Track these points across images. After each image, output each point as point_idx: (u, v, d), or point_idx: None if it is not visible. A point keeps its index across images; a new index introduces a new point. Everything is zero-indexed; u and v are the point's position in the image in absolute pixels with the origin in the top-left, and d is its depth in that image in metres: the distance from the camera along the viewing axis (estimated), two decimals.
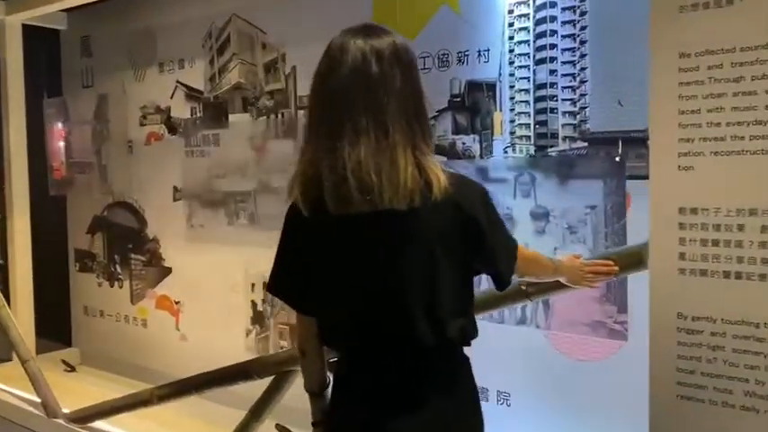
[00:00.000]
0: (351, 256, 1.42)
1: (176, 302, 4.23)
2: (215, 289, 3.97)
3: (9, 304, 4.57)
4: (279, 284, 1.59)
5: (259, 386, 2.72)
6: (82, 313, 4.89)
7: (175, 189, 4.15)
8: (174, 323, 4.25)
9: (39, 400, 3.62)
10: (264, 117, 3.64)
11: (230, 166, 3.69)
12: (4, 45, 4.46)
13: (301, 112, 3.47)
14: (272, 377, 2.54)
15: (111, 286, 4.67)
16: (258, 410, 2.56)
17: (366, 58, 1.38)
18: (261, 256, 3.68)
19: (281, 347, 3.67)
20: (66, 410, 3.55)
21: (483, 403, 1.59)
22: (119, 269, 4.60)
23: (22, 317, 4.51)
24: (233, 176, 3.64)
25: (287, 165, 3.48)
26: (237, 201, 3.59)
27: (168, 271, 4.26)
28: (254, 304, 3.79)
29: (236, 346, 3.88)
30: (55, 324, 4.93)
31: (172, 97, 4.11)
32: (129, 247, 4.50)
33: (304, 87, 3.46)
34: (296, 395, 2.57)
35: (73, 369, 4.59)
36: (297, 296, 1.55)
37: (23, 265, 4.54)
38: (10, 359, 4.62)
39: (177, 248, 4.16)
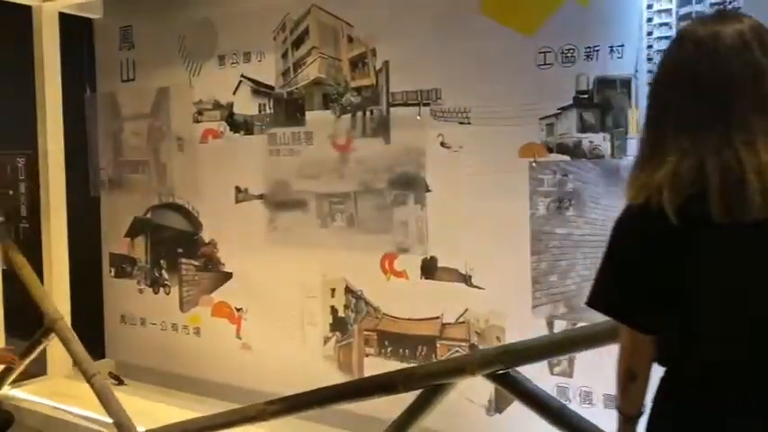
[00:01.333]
0: (736, 271, 1.26)
1: (237, 309, 4.00)
2: (285, 294, 3.76)
3: None
4: (608, 298, 1.39)
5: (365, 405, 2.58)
6: (118, 322, 4.59)
7: (238, 190, 3.92)
8: (235, 331, 4.02)
9: (109, 420, 3.35)
10: (349, 114, 3.47)
11: (318, 165, 3.49)
12: (41, 35, 4.14)
13: (393, 110, 3.33)
14: (418, 391, 2.38)
15: (156, 293, 4.39)
16: (401, 429, 2.40)
17: (747, 44, 1.23)
18: (348, 260, 3.56)
19: (367, 355, 3.52)
20: (141, 429, 3.30)
21: None
22: (165, 275, 4.33)
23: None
24: (326, 177, 3.45)
25: (381, 165, 3.34)
26: (334, 202, 3.40)
27: (228, 276, 4.02)
28: (333, 310, 3.61)
29: (311, 355, 3.70)
30: (86, 334, 4.59)
31: (235, 93, 3.88)
32: (179, 251, 4.23)
33: (398, 83, 3.31)
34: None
35: (121, 382, 4.28)
36: (635, 312, 1.36)
37: (60, 270, 4.23)
38: (44, 373, 4.31)
39: (242, 252, 3.93)
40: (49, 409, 3.74)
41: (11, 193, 5.76)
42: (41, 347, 3.78)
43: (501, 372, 2.18)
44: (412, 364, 3.32)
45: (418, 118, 3.14)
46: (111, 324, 4.63)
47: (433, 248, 3.20)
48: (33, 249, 4.78)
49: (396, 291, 3.38)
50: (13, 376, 3.85)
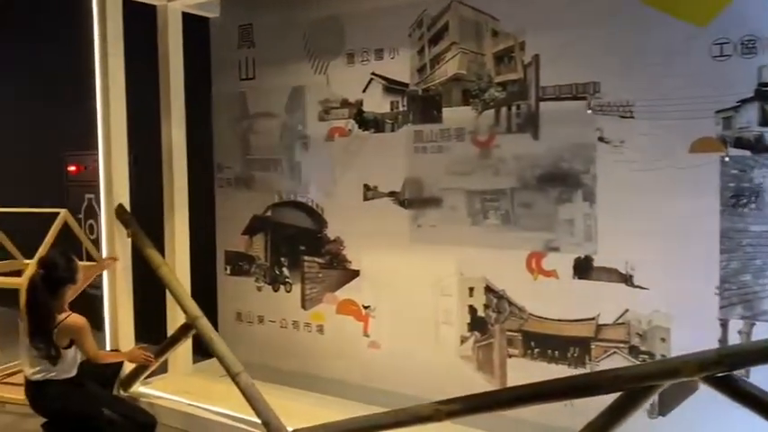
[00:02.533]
0: None
1: (365, 307, 3.97)
2: (417, 292, 3.72)
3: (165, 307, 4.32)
4: None
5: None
6: (233, 319, 4.61)
7: (367, 187, 3.89)
8: (362, 329, 3.99)
9: (250, 418, 3.35)
10: (492, 110, 3.40)
11: (466, 162, 3.43)
12: (166, 33, 4.17)
13: (543, 104, 3.25)
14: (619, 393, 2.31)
15: (275, 290, 4.40)
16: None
17: None
18: (489, 259, 3.50)
19: (510, 356, 3.45)
20: (290, 429, 3.29)
21: None
22: (286, 272, 4.32)
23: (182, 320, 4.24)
24: (477, 174, 3.39)
25: (529, 161, 3.27)
26: (487, 200, 3.34)
27: (354, 274, 4.00)
28: (472, 309, 3.55)
29: (447, 355, 3.64)
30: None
31: (365, 90, 3.85)
32: (302, 248, 4.22)
33: (549, 77, 3.23)
34: None
35: None
36: None
37: (182, 268, 4.25)
38: (165, 371, 4.35)
39: (370, 249, 3.90)
40: (185, 406, 3.75)
41: None
42: (179, 345, 3.79)
43: (721, 375, 2.09)
44: (562, 366, 3.27)
45: (589, 112, 3.05)
46: (225, 322, 4.65)
47: (590, 247, 3.12)
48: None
49: (544, 290, 3.31)
50: (146, 374, 3.89)
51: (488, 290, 3.49)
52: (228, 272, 4.61)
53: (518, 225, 3.26)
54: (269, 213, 4.38)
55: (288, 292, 4.33)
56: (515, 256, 3.36)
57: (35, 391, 3.26)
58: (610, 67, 3.06)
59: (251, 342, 4.48)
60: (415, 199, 3.68)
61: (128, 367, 3.85)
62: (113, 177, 3.91)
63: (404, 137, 3.69)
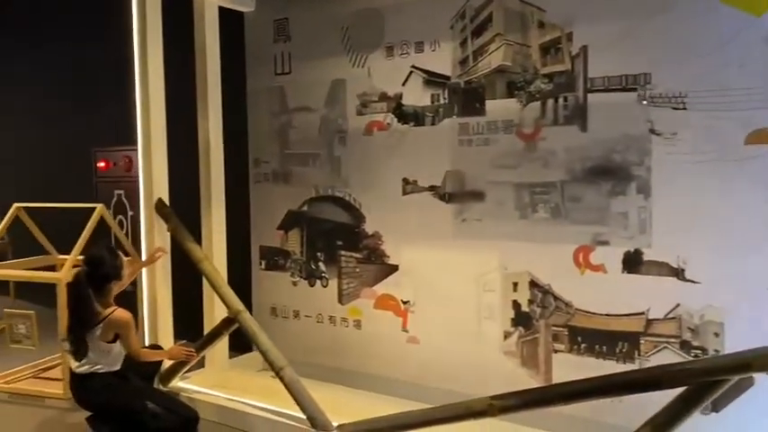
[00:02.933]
0: None
1: (404, 302, 3.94)
2: (458, 287, 3.69)
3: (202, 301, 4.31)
4: None
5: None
6: (268, 314, 4.60)
7: (406, 181, 3.87)
8: (401, 324, 3.97)
9: (300, 415, 3.32)
10: (538, 102, 3.36)
11: (513, 155, 3.40)
12: (203, 27, 4.15)
13: (591, 96, 3.20)
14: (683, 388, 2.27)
15: (311, 285, 4.38)
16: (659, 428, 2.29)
17: None
18: (534, 254, 3.45)
19: (555, 351, 3.41)
20: (335, 424, 3.27)
21: None
22: (322, 267, 4.31)
23: (219, 315, 4.24)
24: (526, 166, 3.35)
25: (578, 154, 3.23)
26: (536, 192, 3.30)
27: (393, 268, 3.97)
28: (516, 305, 3.52)
29: (489, 350, 3.61)
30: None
31: (405, 83, 3.82)
32: (339, 243, 4.21)
33: (598, 68, 3.19)
34: None
35: None
36: None
37: (219, 262, 4.23)
38: (202, 365, 4.34)
39: (410, 244, 3.87)
40: (224, 401, 3.73)
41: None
42: (220, 339, 3.78)
43: None
44: (610, 361, 3.23)
45: (644, 103, 3.00)
46: (260, 316, 4.63)
47: (643, 240, 3.07)
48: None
49: (591, 285, 3.27)
50: (185, 369, 3.88)
51: (533, 285, 3.45)
52: (263, 267, 4.60)
53: (568, 218, 3.22)
54: (305, 208, 4.36)
55: (324, 286, 4.32)
56: (562, 250, 3.32)
57: (80, 383, 3.27)
58: (661, 58, 3.01)
59: (286, 337, 4.45)
60: (457, 193, 3.65)
61: (167, 362, 3.84)
62: (153, 171, 3.90)
63: (447, 130, 3.66)
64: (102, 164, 6.17)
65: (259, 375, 4.42)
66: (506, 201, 3.43)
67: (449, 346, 3.76)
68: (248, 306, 4.60)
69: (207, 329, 4.22)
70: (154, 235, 3.90)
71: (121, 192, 6.05)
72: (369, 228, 4.07)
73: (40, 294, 5.54)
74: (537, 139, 3.37)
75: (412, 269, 3.90)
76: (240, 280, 4.69)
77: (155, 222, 3.90)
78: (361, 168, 4.06)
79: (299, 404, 3.32)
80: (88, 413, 3.33)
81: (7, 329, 4.25)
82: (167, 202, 3.95)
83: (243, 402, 3.66)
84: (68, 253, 4.42)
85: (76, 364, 3.25)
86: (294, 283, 4.46)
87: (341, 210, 4.20)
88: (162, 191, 3.94)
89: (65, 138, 6.54)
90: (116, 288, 3.32)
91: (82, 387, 3.27)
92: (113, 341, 3.25)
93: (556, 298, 3.39)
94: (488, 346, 3.62)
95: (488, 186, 3.50)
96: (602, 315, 3.25)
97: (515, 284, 3.52)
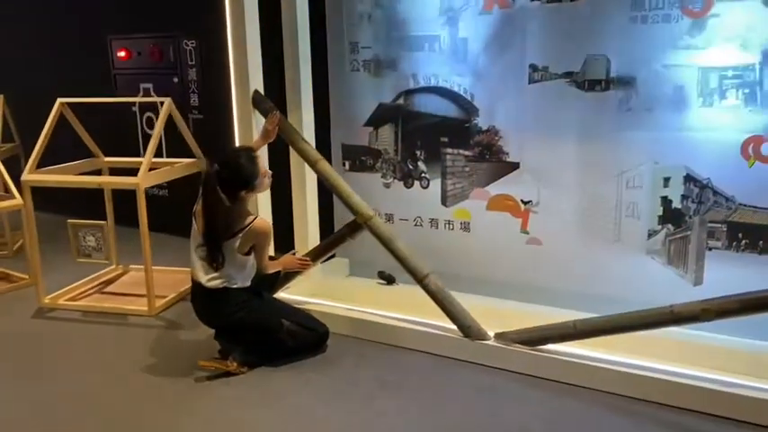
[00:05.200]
0: None
1: (525, 202, 3.66)
2: (594, 185, 3.42)
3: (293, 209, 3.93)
4: None
5: None
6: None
7: (534, 68, 3.47)
8: (520, 225, 3.70)
9: (451, 325, 3.08)
10: None
11: (694, 34, 3.02)
12: None
13: None
14: None
15: (408, 187, 4.02)
16: None
17: None
18: (694, 145, 3.16)
19: (710, 249, 3.23)
20: (491, 333, 3.05)
21: None
22: (422, 167, 3.94)
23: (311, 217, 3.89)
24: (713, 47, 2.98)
25: None
26: (728, 77, 2.96)
27: (512, 167, 3.65)
28: (666, 201, 3.28)
29: (629, 249, 3.39)
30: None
31: None
32: (444, 140, 3.83)
33: None
34: None
35: (391, 281, 4.00)
36: None
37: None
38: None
39: (535, 140, 3.52)
40: (345, 311, 3.44)
41: (175, 80, 5.25)
42: (340, 245, 3.43)
43: None
44: None
45: None
46: (344, 222, 4.29)
47: None
48: (210, 143, 4.36)
49: (759, 178, 3.04)
50: (294, 279, 3.54)
51: (689, 179, 3.21)
52: (347, 168, 4.18)
53: (763, 105, 2.92)
54: (401, 101, 3.92)
55: (424, 188, 3.97)
56: (728, 141, 3.06)
57: (210, 299, 2.91)
58: None
59: (376, 241, 4.14)
60: (621, 78, 3.25)
61: None
62: (248, 58, 3.35)
63: (598, 5, 3.22)
64: (121, 53, 5.44)
65: (359, 282, 4.15)
66: (688, 86, 3.06)
67: (578, 247, 3.53)
68: (330, 212, 4.27)
69: (299, 245, 3.87)
70: (252, 134, 3.42)
71: (149, 85, 5.39)
72: (483, 122, 3.69)
73: (78, 205, 5.01)
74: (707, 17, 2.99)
75: (536, 166, 3.58)
76: (319, 183, 4.29)
77: (253, 119, 3.41)
78: (474, 53, 3.61)
79: (448, 313, 3.07)
80: (195, 329, 3.01)
81: (73, 242, 3.77)
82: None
83: (377, 314, 3.37)
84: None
85: (206, 277, 2.87)
86: (386, 185, 4.09)
87: (447, 102, 3.78)
88: (258, 81, 3.42)
89: (70, 24, 5.72)
90: (248, 198, 2.89)
91: (213, 304, 2.91)
92: (248, 253, 2.87)
93: (715, 192, 3.17)
94: (628, 245, 3.40)
95: (664, 71, 3.12)
96: None
97: (666, 179, 3.27)
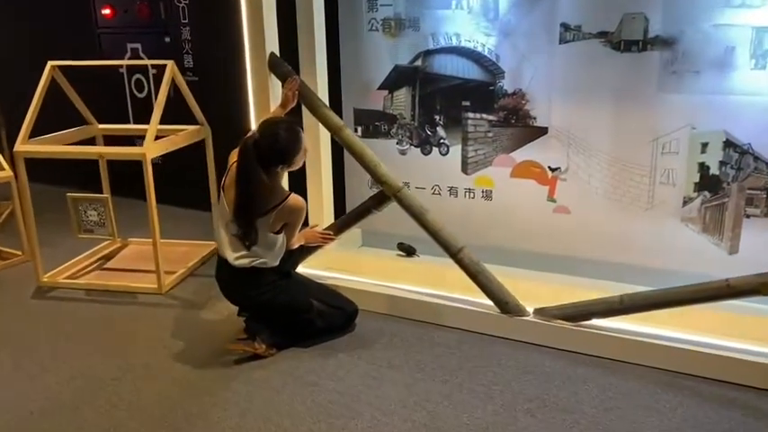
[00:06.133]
0: None
1: (552, 169, 3.51)
2: (628, 150, 3.28)
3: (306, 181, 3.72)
4: None
5: None
6: (366, 187, 4.05)
7: (565, 27, 3.28)
8: (547, 193, 3.57)
9: (487, 301, 2.95)
10: None
11: None
12: None
13: None
14: None
15: (426, 153, 3.84)
16: None
17: None
18: (733, 108, 3.02)
19: (748, 216, 3.14)
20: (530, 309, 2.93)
21: None
22: (441, 132, 3.75)
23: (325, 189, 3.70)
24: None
25: None
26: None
27: (539, 132, 3.49)
28: (703, 167, 3.17)
29: (664, 217, 3.29)
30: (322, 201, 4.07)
31: None
32: (466, 104, 3.64)
33: None
34: None
35: (411, 253, 3.84)
36: None
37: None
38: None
39: (565, 103, 3.36)
40: (385, 288, 3.26)
41: (167, 40, 4.93)
42: (364, 219, 3.25)
43: None
44: None
45: None
46: (354, 189, 4.11)
47: None
48: (206, 107, 4.11)
49: None
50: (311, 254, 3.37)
51: (728, 144, 3.09)
52: (360, 133, 3.97)
53: None
54: (419, 63, 3.70)
55: (443, 154, 3.79)
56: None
57: (237, 278, 2.72)
58: None
59: (392, 210, 3.97)
60: (664, 38, 3.07)
61: None
62: (264, 15, 3.08)
63: None
64: (106, 11, 5.07)
65: (374, 253, 3.99)
66: (741, 47, 2.90)
67: (608, 215, 3.42)
68: (341, 180, 4.08)
69: (314, 219, 3.67)
70: (268, 100, 3.17)
71: (137, 45, 5.05)
72: (508, 85, 3.51)
73: (63, 175, 4.72)
74: None
75: (565, 132, 3.43)
76: (335, 150, 4.08)
77: (269, 83, 3.17)
78: (500, 11, 3.40)
79: (484, 289, 2.94)
80: (221, 300, 2.83)
81: (74, 217, 3.52)
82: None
83: (408, 290, 3.22)
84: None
85: (235, 255, 2.67)
86: (402, 152, 3.90)
87: (470, 63, 3.57)
88: (274, 43, 3.17)
89: None
90: (283, 173, 2.68)
91: (241, 284, 2.73)
92: (279, 232, 2.68)
93: (756, 158, 3.06)
94: (663, 212, 3.29)
95: (713, 31, 2.95)
96: None
97: (704, 145, 3.15)
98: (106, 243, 4.15)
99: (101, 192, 3.89)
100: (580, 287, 3.22)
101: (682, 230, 3.29)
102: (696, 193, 3.22)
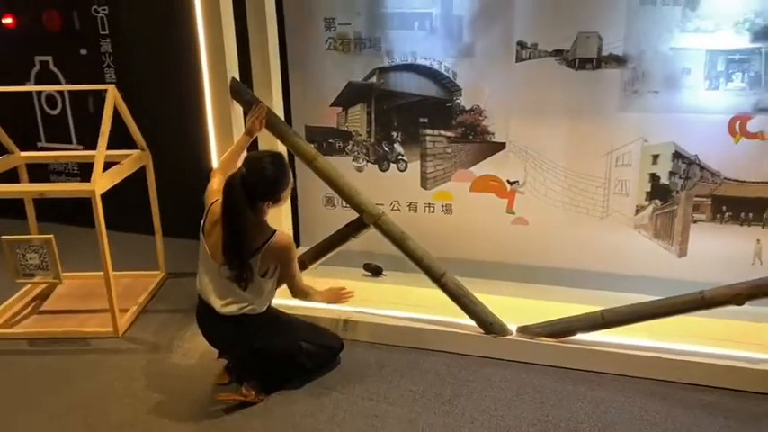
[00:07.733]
0: None
1: (511, 182, 3.59)
2: (581, 163, 3.42)
3: None
4: None
5: None
6: (321, 205, 3.97)
7: (522, 45, 3.34)
8: (506, 206, 3.64)
9: (468, 322, 2.97)
10: None
11: (708, 17, 3.00)
12: None
13: None
14: None
15: (383, 170, 3.80)
16: None
17: None
18: (682, 124, 3.21)
19: (695, 222, 3.37)
20: (513, 327, 2.99)
21: None
22: (399, 149, 3.72)
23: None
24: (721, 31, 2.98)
25: None
26: (734, 61, 2.98)
27: (497, 147, 3.55)
28: (654, 178, 3.36)
29: (617, 225, 3.47)
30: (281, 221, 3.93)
31: None
32: (424, 120, 3.63)
33: None
34: None
35: (378, 272, 3.78)
36: None
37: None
38: None
39: (521, 119, 3.44)
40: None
41: (83, 52, 4.54)
42: (342, 245, 3.16)
43: None
44: (755, 227, 3.27)
45: None
46: (308, 208, 4.01)
47: None
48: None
49: (744, 153, 3.19)
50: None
51: (677, 156, 3.30)
52: None
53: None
54: (373, 80, 3.64)
55: (401, 171, 3.77)
56: (714, 119, 3.16)
57: (225, 326, 2.57)
58: None
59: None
60: (617, 56, 3.20)
61: None
62: (225, 40, 2.90)
63: None
64: (7, 20, 4.58)
65: (336, 273, 3.87)
66: (695, 70, 3.09)
67: (565, 225, 3.56)
68: (293, 196, 3.95)
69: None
70: (231, 130, 3.00)
71: (48, 58, 4.60)
72: (466, 101, 3.54)
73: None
74: None
75: (523, 146, 3.51)
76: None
77: (231, 110, 2.99)
78: (457, 30, 3.41)
79: (468, 311, 2.97)
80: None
81: (10, 260, 3.17)
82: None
83: (392, 316, 3.18)
84: None
85: (221, 302, 2.52)
86: (359, 169, 3.84)
87: (426, 80, 3.57)
88: (234, 69, 2.99)
89: None
90: (268, 211, 2.54)
91: (230, 332, 2.58)
92: (265, 275, 2.55)
93: (702, 168, 3.28)
94: (616, 221, 3.47)
95: (672, 54, 3.11)
96: (753, 183, 3.22)
97: (655, 157, 3.34)
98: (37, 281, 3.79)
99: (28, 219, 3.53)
100: (541, 294, 3.40)
101: (635, 237, 3.48)
102: (648, 202, 3.42)
